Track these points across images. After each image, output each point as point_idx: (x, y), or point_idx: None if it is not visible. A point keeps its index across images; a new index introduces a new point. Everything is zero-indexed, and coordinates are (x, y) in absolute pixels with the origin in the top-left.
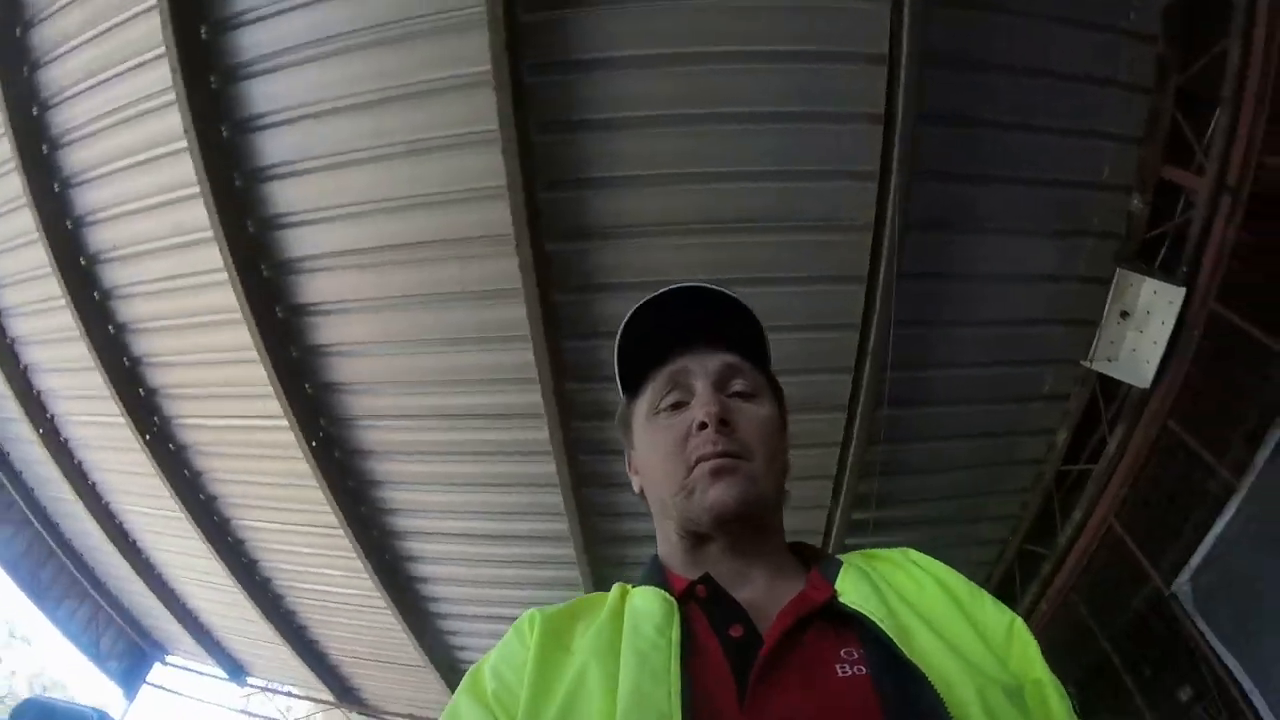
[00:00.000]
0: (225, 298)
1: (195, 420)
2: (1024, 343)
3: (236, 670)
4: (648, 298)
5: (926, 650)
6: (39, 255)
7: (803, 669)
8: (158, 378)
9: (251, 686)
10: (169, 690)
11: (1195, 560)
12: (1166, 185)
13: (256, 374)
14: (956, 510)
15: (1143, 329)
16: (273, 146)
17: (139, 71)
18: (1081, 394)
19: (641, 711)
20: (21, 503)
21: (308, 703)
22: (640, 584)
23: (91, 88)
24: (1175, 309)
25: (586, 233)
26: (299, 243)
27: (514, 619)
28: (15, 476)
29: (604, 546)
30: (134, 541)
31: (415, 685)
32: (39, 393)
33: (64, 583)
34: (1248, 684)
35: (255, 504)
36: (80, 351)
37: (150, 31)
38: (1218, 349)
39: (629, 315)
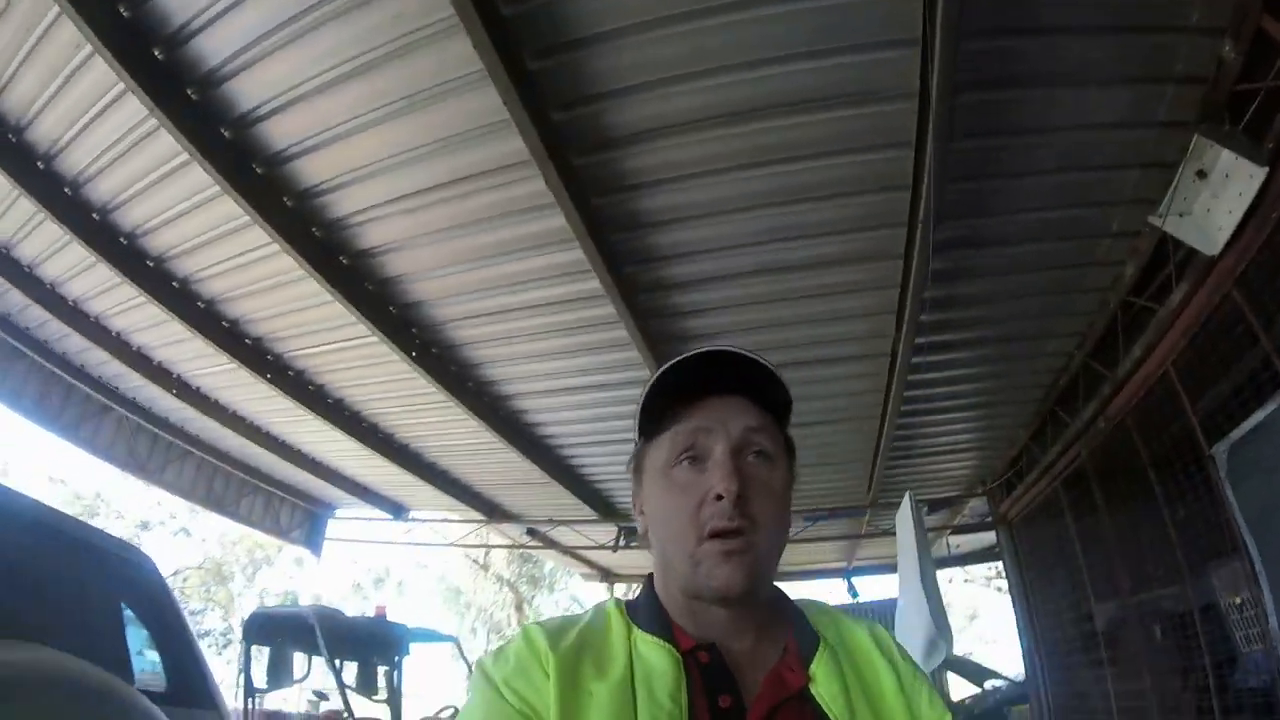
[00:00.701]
0: (290, 262)
1: (302, 351)
2: (1093, 187)
3: (398, 509)
4: (678, 358)
5: None
6: (105, 272)
7: None
8: (256, 330)
9: (413, 520)
10: (346, 539)
11: (1235, 434)
12: (1265, 38)
13: (339, 310)
14: (1022, 330)
15: (1218, 194)
16: (277, 133)
17: (116, 107)
18: (1151, 235)
19: None
20: (178, 441)
21: (464, 525)
22: (644, 629)
23: (79, 134)
24: (1256, 184)
25: (613, 143)
26: (338, 205)
27: (615, 433)
28: (163, 422)
29: None
30: (283, 442)
31: (549, 496)
32: (159, 363)
33: (235, 486)
34: (1259, 565)
35: (378, 397)
36: (179, 329)
37: (105, 73)
38: None
39: (658, 373)
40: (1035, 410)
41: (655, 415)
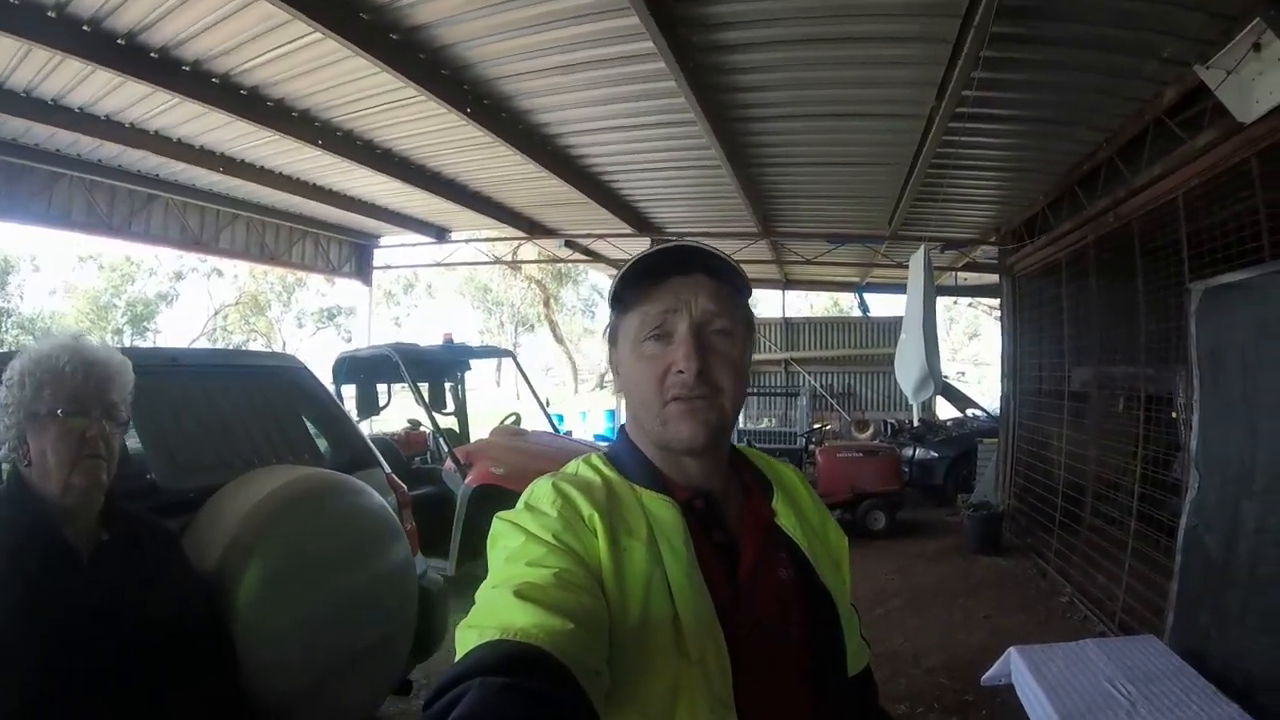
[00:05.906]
0: (332, 46)
1: (351, 115)
2: (1155, 17)
3: (440, 232)
4: (650, 250)
5: (822, 567)
6: (135, 86)
7: (763, 571)
8: (301, 104)
9: (453, 241)
10: (393, 266)
11: (1213, 282)
12: None
13: (388, 78)
14: (1058, 115)
15: (1265, 72)
16: None
17: None
18: (1200, 72)
19: (700, 624)
20: (225, 208)
21: (504, 243)
22: (644, 485)
23: None
24: None
25: None
26: None
27: (653, 162)
28: (207, 194)
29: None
30: (329, 190)
31: (587, 213)
32: (200, 147)
33: (284, 236)
34: (1196, 396)
35: (426, 145)
36: (221, 117)
37: None
38: None
39: (632, 260)
40: (1057, 183)
41: (629, 292)
